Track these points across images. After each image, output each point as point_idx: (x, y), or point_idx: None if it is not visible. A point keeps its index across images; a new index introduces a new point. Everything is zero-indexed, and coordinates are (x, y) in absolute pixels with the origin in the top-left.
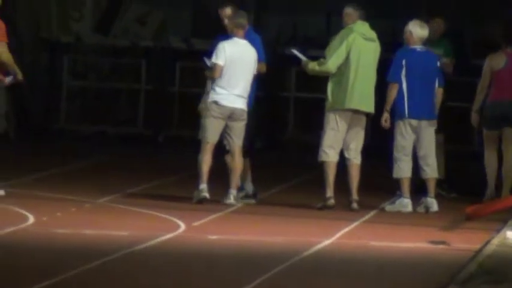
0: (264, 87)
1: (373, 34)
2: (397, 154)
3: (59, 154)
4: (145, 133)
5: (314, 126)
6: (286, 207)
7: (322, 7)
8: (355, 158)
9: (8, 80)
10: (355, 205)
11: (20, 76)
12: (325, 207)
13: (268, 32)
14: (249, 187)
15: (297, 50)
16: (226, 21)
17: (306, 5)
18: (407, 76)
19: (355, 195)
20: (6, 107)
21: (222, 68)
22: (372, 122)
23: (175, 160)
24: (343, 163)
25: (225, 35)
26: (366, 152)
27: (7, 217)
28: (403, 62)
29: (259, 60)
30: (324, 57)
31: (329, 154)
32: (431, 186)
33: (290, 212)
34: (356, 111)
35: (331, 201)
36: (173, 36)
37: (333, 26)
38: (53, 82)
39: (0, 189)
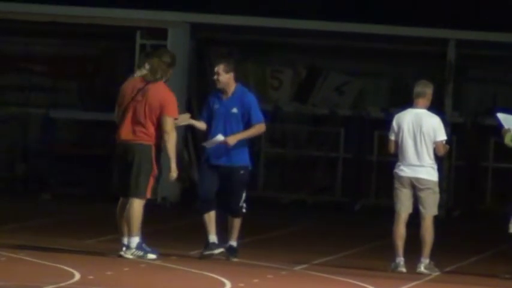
0: (463, 157)
1: None
2: None
3: (257, 221)
4: (342, 201)
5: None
6: (482, 276)
7: None
8: None
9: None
10: None
11: (174, 167)
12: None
13: (468, 102)
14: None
15: (504, 115)
16: (215, 77)
17: (506, 75)
18: None
19: None
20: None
21: (393, 142)
22: None
23: (372, 229)
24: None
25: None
26: None
27: (205, 283)
28: None
29: (257, 121)
30: None
31: None
32: None
33: (487, 282)
34: None
35: None
36: (371, 105)
37: None
38: (251, 149)
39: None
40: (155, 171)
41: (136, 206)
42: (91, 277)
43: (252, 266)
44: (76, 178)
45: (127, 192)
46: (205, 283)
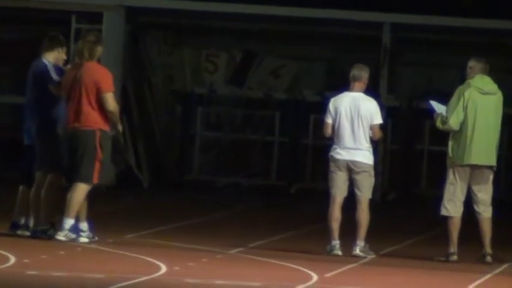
0: (398, 140)
1: (492, 87)
2: None
3: (192, 205)
4: (278, 185)
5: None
6: (417, 259)
7: (457, 60)
8: (484, 212)
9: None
10: (488, 258)
11: (120, 128)
12: (447, 262)
13: (403, 85)
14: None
15: (435, 102)
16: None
17: (441, 58)
18: None
19: (488, 249)
20: (130, 156)
21: (330, 125)
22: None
23: (307, 212)
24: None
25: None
26: (497, 204)
27: (140, 266)
28: None
29: (50, 83)
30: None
31: (449, 209)
32: None
33: (422, 264)
34: (476, 166)
35: (454, 257)
36: (307, 89)
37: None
38: (186, 133)
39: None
40: (99, 155)
41: (80, 191)
42: (26, 260)
43: (187, 249)
44: (11, 162)
45: (73, 178)
46: (141, 266)
